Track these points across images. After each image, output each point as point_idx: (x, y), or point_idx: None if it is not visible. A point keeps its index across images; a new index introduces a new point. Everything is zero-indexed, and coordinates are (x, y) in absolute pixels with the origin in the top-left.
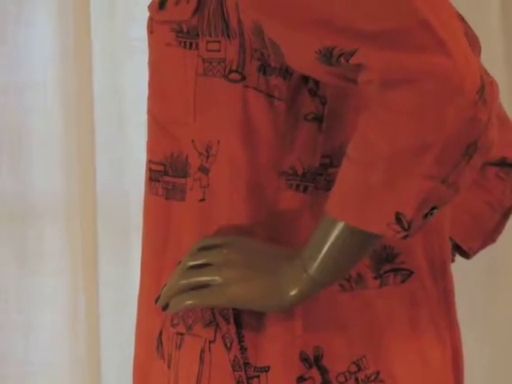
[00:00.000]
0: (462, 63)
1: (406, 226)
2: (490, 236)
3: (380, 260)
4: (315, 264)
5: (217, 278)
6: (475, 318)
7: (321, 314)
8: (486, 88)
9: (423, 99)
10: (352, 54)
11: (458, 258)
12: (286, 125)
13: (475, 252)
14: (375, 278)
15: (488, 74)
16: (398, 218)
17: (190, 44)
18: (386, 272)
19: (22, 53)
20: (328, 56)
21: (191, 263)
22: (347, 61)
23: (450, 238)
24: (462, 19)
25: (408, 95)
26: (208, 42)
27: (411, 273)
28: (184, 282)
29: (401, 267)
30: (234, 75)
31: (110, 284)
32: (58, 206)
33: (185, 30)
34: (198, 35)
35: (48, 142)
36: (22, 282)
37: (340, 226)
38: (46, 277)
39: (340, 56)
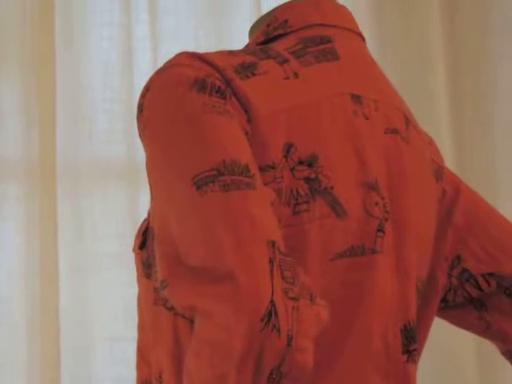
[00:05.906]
0: (246, 293)
1: None
2: None
3: None
4: None
5: None
6: None
7: None
8: (278, 315)
9: (214, 329)
10: (165, 286)
11: None
12: None
13: None
14: None
15: (296, 299)
16: None
17: (149, 274)
18: None
19: None
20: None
21: None
22: (162, 291)
23: None
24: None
25: (203, 325)
26: (155, 272)
27: None
28: None
29: None
30: (169, 303)
31: None
32: None
33: (145, 262)
34: (150, 266)
35: (12, 357)
36: None
37: None
38: None
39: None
